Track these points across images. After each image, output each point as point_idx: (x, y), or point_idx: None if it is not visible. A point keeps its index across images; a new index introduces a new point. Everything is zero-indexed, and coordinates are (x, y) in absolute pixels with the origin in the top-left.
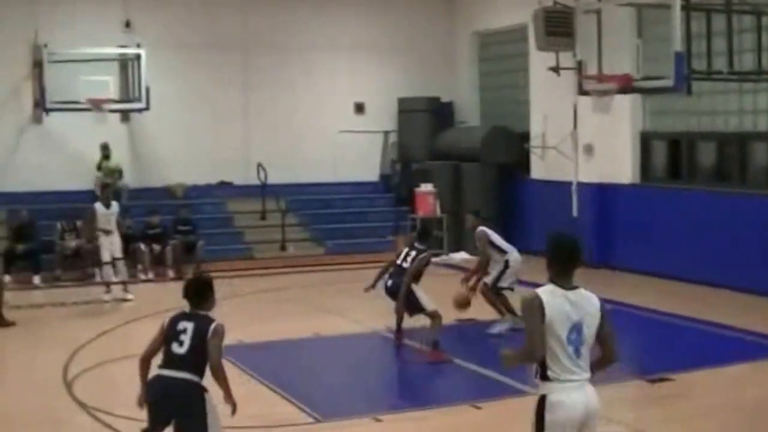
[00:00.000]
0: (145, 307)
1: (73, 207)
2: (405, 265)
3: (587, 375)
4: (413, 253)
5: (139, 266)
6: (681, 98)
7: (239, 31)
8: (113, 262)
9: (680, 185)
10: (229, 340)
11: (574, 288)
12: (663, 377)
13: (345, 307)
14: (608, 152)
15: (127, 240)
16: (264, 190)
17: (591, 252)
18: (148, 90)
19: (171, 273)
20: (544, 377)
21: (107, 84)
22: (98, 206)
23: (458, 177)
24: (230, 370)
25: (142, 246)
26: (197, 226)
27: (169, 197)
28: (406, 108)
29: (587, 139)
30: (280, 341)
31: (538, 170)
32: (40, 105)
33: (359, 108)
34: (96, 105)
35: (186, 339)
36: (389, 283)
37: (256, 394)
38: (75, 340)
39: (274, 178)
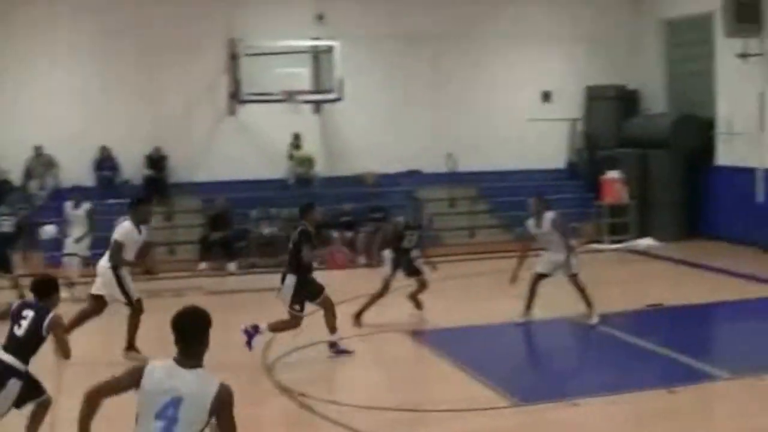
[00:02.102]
0: (337, 294)
1: (266, 195)
2: None
3: None
4: None
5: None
6: None
7: (429, 22)
8: None
9: None
10: (421, 325)
11: (194, 367)
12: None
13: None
14: None
15: (319, 227)
16: (453, 178)
17: None
18: (341, 81)
19: (362, 259)
20: None
21: (301, 76)
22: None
23: (645, 164)
24: (425, 355)
25: (334, 233)
26: (388, 213)
27: (360, 185)
28: (593, 96)
29: None
30: (472, 327)
31: (725, 157)
32: (235, 97)
33: (546, 96)
34: (289, 96)
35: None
36: None
37: (451, 377)
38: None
39: (463, 165)
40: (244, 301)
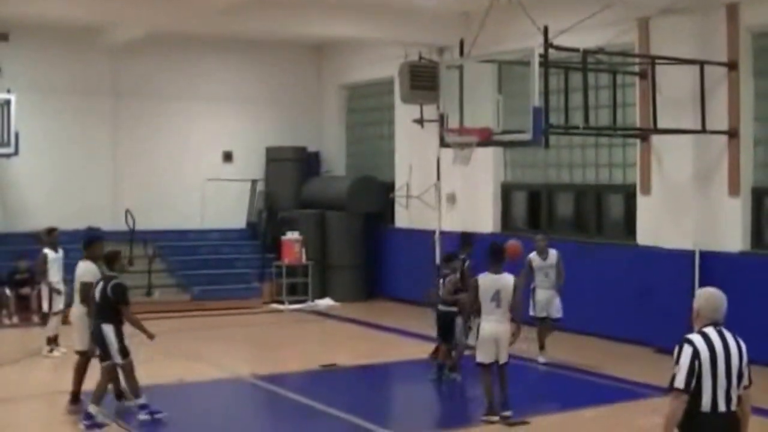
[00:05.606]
0: (10, 353)
1: None
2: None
3: (503, 316)
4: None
5: (4, 311)
6: (540, 151)
7: (110, 77)
8: None
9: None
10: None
11: (501, 273)
12: (521, 420)
13: (210, 352)
14: (470, 202)
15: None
16: (132, 236)
17: None
18: (17, 135)
19: (36, 318)
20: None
21: None
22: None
23: (324, 225)
24: None
25: (8, 291)
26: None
27: (37, 243)
28: (274, 157)
29: (450, 189)
30: (144, 387)
31: (402, 219)
32: None
33: (228, 156)
34: None
35: None
36: None
37: None
38: None
39: (143, 224)
40: None
